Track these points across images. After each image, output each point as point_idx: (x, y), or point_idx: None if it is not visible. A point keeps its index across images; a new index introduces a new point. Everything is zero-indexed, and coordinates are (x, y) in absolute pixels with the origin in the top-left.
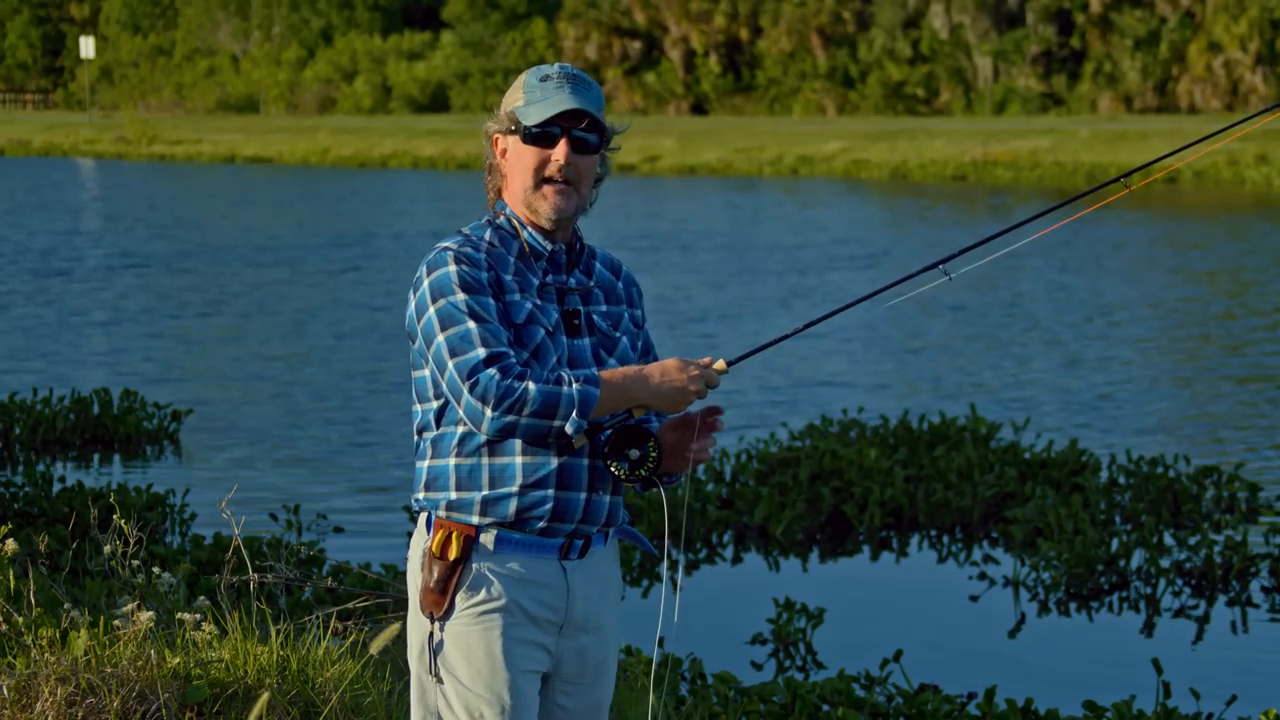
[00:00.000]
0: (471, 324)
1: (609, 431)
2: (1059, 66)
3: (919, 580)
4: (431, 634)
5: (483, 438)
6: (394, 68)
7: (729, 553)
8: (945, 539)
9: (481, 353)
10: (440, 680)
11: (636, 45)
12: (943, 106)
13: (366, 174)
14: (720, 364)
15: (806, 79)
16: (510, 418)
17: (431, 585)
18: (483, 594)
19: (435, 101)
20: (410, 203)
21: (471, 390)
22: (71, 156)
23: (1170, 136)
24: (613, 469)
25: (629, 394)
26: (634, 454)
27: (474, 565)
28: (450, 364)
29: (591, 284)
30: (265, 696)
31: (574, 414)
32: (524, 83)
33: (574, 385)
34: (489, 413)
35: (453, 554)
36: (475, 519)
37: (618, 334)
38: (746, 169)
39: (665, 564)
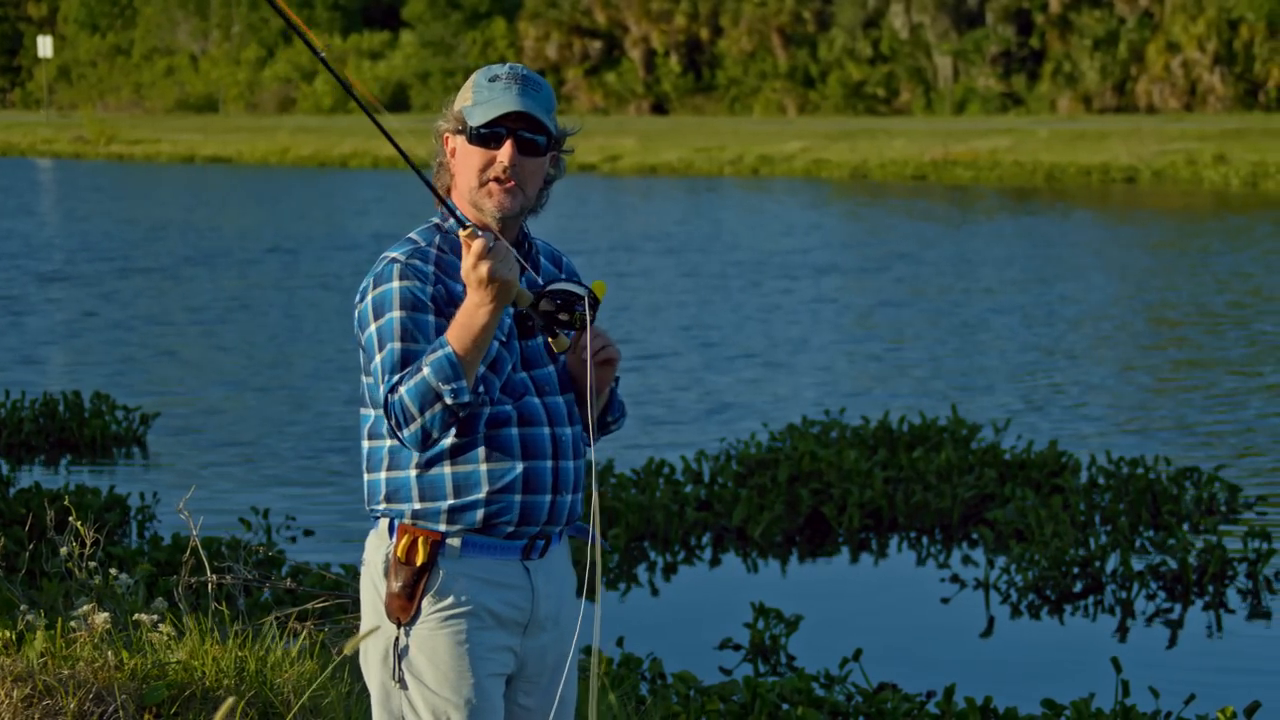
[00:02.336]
0: (397, 345)
1: (535, 324)
2: (1018, 66)
3: (897, 582)
4: (397, 639)
5: (446, 445)
6: (354, 67)
7: (707, 555)
8: (925, 540)
9: (393, 380)
10: (405, 686)
11: (597, 45)
12: (903, 106)
13: (326, 174)
14: (465, 233)
15: (767, 79)
16: (413, 427)
17: (398, 590)
18: (449, 598)
19: (395, 101)
20: (375, 203)
21: (387, 415)
22: (29, 156)
23: (1129, 136)
24: (576, 326)
25: (471, 326)
26: (563, 316)
27: (440, 569)
28: (381, 387)
29: (540, 280)
30: (230, 702)
31: (444, 384)
32: (474, 83)
33: (427, 362)
34: (403, 434)
35: (419, 559)
36: (442, 526)
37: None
38: (707, 169)
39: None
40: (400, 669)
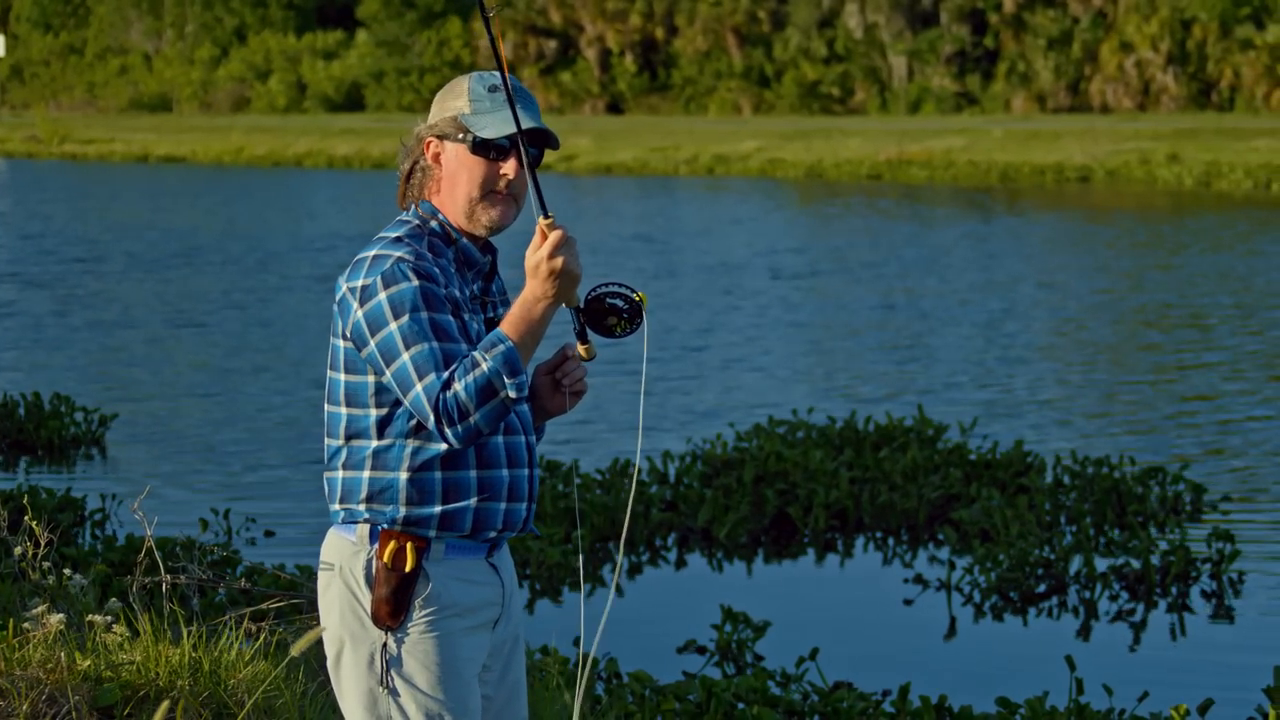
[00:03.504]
0: (435, 344)
1: (580, 328)
2: (973, 66)
3: (862, 583)
4: (385, 645)
5: (439, 450)
6: (308, 66)
7: (672, 556)
8: (890, 541)
9: (445, 376)
10: (396, 692)
11: (552, 44)
12: (858, 106)
13: (281, 173)
14: (546, 222)
15: (722, 78)
16: (467, 422)
17: (386, 597)
18: (438, 601)
19: (350, 100)
20: (334, 204)
21: (436, 414)
22: None
23: (1083, 136)
24: (618, 334)
25: (530, 319)
26: (610, 321)
27: (427, 573)
28: (418, 386)
29: (506, 288)
30: (165, 705)
31: (510, 378)
32: (469, 90)
33: (488, 357)
34: (451, 430)
35: (408, 565)
36: (431, 532)
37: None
38: (662, 168)
39: (582, 561)
40: (390, 675)
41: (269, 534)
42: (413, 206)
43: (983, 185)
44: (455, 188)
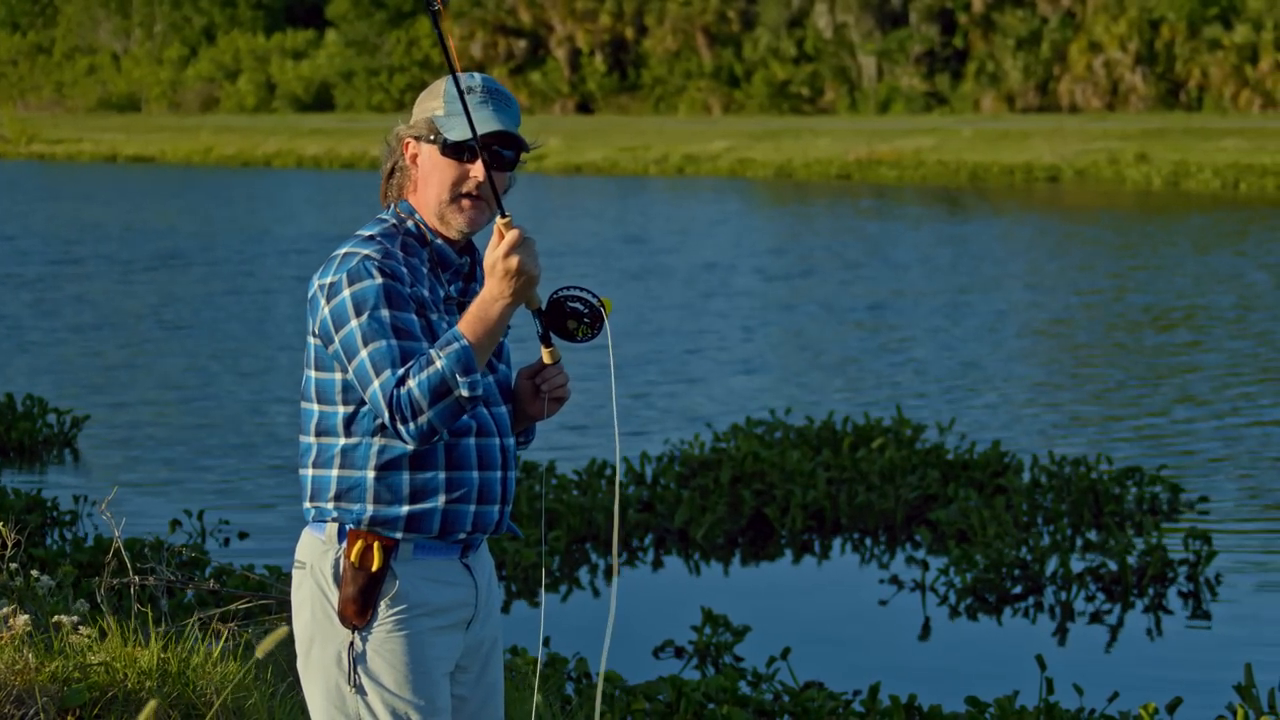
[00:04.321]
0: (395, 341)
1: (543, 331)
2: (942, 66)
3: (838, 584)
4: (352, 644)
5: (406, 449)
6: (278, 66)
7: (649, 557)
8: (868, 541)
9: (399, 373)
10: (363, 690)
11: (522, 44)
12: (827, 106)
13: (250, 173)
14: (503, 221)
15: (692, 78)
16: (420, 420)
17: (353, 596)
18: (405, 601)
19: (319, 100)
20: (307, 204)
21: (390, 411)
22: None
23: (1051, 136)
24: (579, 338)
25: (487, 318)
26: (570, 324)
27: (395, 573)
28: (375, 383)
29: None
30: (152, 704)
31: (463, 376)
32: (444, 91)
33: (442, 355)
34: (404, 428)
35: (375, 565)
36: (398, 533)
37: (501, 337)
38: (632, 168)
39: (542, 567)
40: (357, 674)
41: (243, 536)
42: (392, 205)
43: (952, 185)
44: (428, 189)
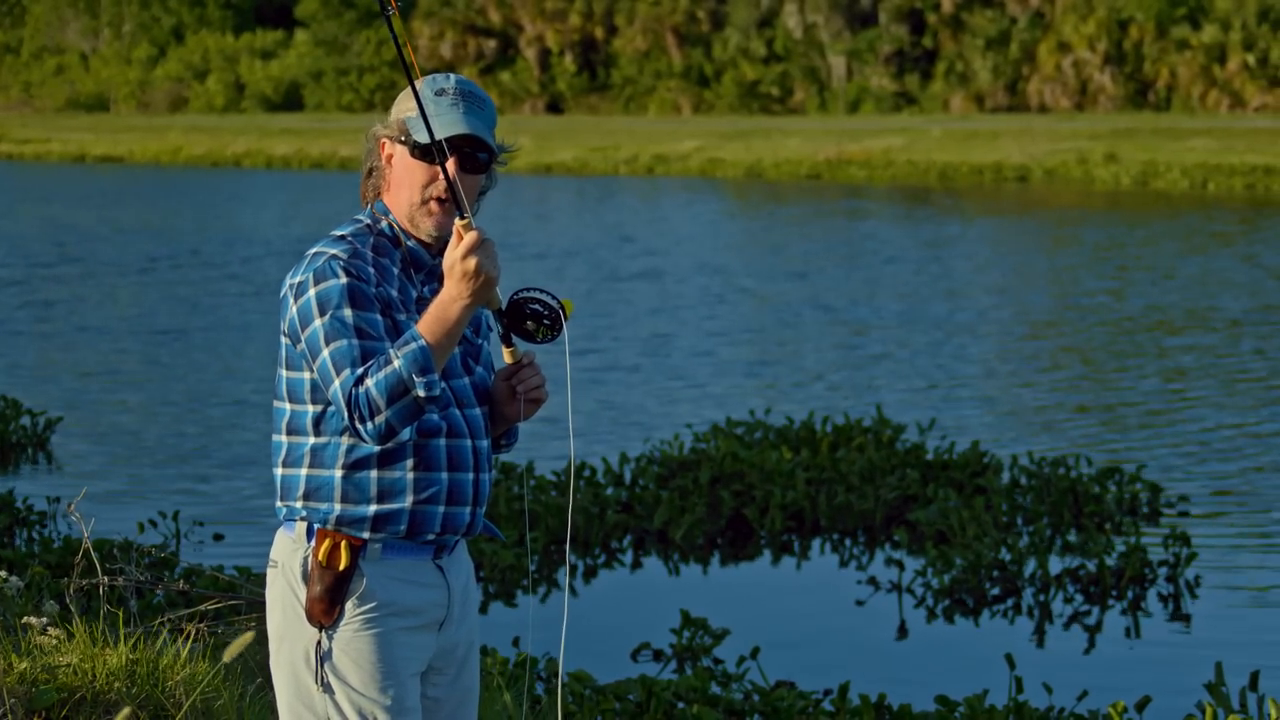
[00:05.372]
0: (355, 340)
1: (503, 331)
2: (911, 66)
3: (816, 585)
4: (319, 643)
5: (374, 449)
6: (247, 66)
7: (628, 558)
8: (847, 542)
9: (358, 372)
10: (330, 690)
11: (491, 44)
12: (797, 105)
13: (219, 173)
14: (462, 223)
15: (662, 78)
16: (378, 420)
17: (320, 595)
18: (372, 600)
19: (289, 100)
20: (278, 205)
21: (349, 409)
22: None
23: (1021, 136)
24: (539, 339)
25: (445, 319)
26: (529, 325)
27: (362, 573)
28: (336, 382)
29: None
30: (125, 712)
31: (419, 376)
32: (419, 93)
33: (399, 354)
34: (363, 427)
35: (342, 564)
36: (365, 533)
37: (479, 340)
38: (602, 168)
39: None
40: (324, 672)
41: (218, 538)
42: (369, 206)
43: (921, 185)
44: (400, 190)
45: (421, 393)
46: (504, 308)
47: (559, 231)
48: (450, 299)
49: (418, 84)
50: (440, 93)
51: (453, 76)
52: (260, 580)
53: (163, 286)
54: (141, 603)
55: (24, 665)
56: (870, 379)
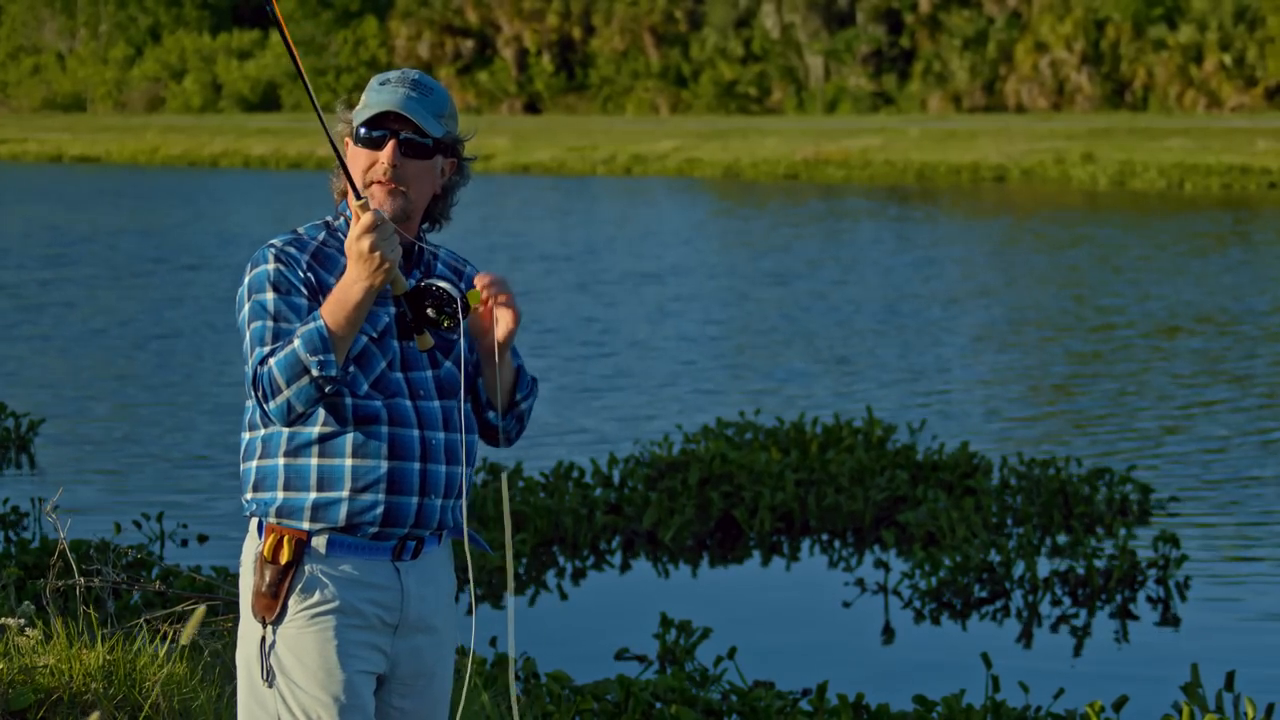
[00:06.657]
0: (270, 322)
1: (408, 317)
2: (889, 66)
3: (805, 586)
4: (264, 638)
5: (313, 435)
6: (224, 66)
7: (616, 559)
8: (837, 543)
9: (264, 352)
10: (274, 684)
11: (469, 44)
12: (775, 105)
13: (197, 173)
14: (358, 204)
15: (639, 78)
16: (279, 399)
17: (264, 589)
18: (315, 596)
19: (266, 100)
20: (257, 205)
21: (255, 388)
22: None
23: (998, 136)
24: (442, 326)
25: (345, 301)
26: (430, 313)
27: (306, 568)
28: (249, 361)
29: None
30: (95, 715)
31: (312, 355)
32: (369, 86)
33: (298, 335)
34: (268, 406)
35: (284, 558)
36: (306, 525)
37: (453, 336)
38: (580, 168)
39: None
40: (268, 667)
41: (202, 539)
42: (340, 203)
43: (899, 185)
44: (355, 181)
45: (316, 371)
46: (406, 293)
47: (540, 233)
48: (350, 281)
49: (371, 80)
50: (385, 82)
51: (408, 70)
52: (237, 580)
53: (143, 287)
54: (119, 603)
55: (1, 666)
56: (858, 380)
